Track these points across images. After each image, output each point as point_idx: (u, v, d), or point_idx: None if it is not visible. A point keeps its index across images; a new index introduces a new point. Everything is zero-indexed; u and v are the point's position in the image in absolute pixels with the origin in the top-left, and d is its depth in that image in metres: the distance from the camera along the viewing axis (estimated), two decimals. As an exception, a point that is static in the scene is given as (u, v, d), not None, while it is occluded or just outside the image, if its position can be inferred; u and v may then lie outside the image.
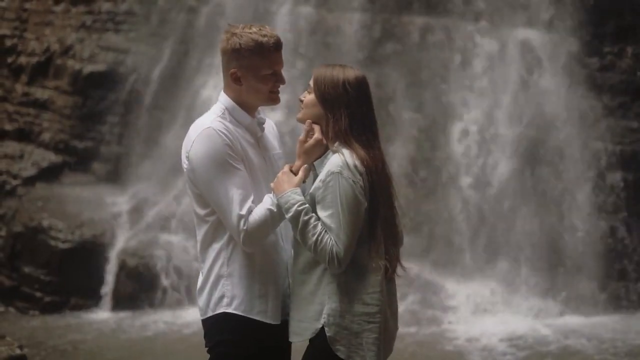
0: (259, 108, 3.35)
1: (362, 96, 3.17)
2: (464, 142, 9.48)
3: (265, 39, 3.19)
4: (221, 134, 3.16)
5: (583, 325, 8.46)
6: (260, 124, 3.33)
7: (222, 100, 3.28)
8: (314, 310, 3.13)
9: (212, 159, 3.14)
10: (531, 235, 9.14)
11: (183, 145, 3.25)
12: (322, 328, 3.11)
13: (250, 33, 3.19)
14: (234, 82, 3.23)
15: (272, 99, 3.27)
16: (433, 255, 9.14)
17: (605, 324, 8.53)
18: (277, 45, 3.22)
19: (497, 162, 9.40)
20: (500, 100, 9.54)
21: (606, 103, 9.44)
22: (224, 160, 3.14)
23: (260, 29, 3.21)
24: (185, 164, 3.24)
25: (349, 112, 3.14)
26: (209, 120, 3.21)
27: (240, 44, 3.19)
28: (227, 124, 3.21)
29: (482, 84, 9.59)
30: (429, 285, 8.91)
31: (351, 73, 3.18)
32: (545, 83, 9.52)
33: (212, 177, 3.14)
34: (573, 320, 8.59)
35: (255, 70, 3.20)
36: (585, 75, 9.48)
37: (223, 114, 3.24)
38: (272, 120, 3.50)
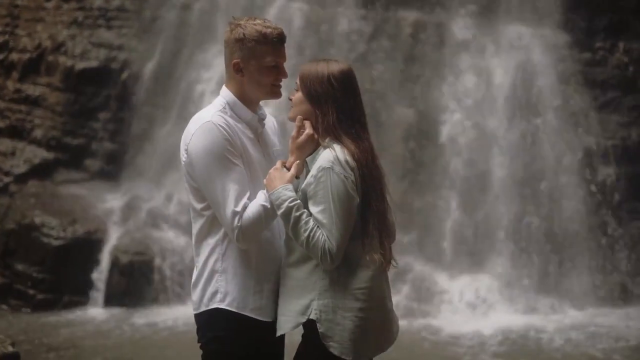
0: (260, 103, 3.34)
1: (348, 89, 3.17)
2: (456, 138, 9.49)
3: (269, 30, 3.20)
4: (221, 128, 3.15)
5: (577, 320, 8.48)
6: (261, 119, 3.32)
7: (224, 95, 3.27)
8: (302, 305, 3.12)
9: (210, 153, 3.13)
10: (524, 230, 9.16)
11: (182, 138, 3.23)
12: (312, 324, 3.10)
13: (255, 25, 3.20)
14: (236, 73, 3.22)
15: (274, 92, 3.26)
16: (425, 250, 9.14)
17: (599, 318, 8.55)
18: (281, 37, 3.23)
19: (490, 157, 9.41)
20: (492, 95, 9.55)
21: (598, 98, 9.46)
22: (223, 155, 3.13)
23: (264, 21, 3.23)
24: (183, 157, 3.22)
25: (337, 107, 3.15)
26: (209, 114, 3.20)
27: (244, 34, 3.19)
28: (228, 118, 3.20)
29: (474, 79, 9.60)
30: (422, 279, 8.92)
31: (336, 67, 3.17)
32: (537, 78, 9.53)
33: (210, 171, 3.13)
34: (567, 315, 8.61)
35: (257, 61, 3.20)
36: (577, 71, 9.50)
37: (224, 108, 3.23)
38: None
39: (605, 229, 9.18)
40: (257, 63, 3.20)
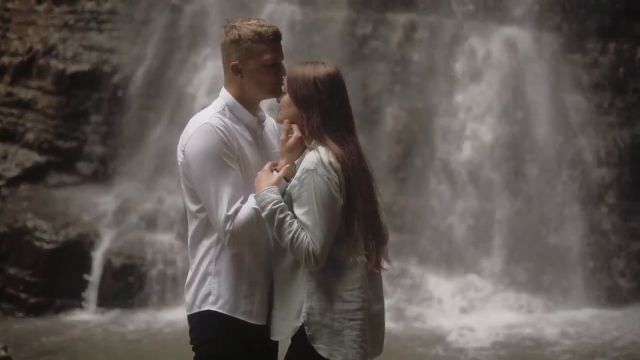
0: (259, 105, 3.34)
1: (334, 92, 3.17)
2: (448, 139, 9.50)
3: (264, 28, 3.21)
4: (218, 130, 3.14)
5: (572, 321, 8.49)
6: (261, 121, 3.32)
7: (223, 96, 3.26)
8: (295, 309, 3.12)
9: (207, 155, 3.13)
10: (517, 231, 9.17)
11: (180, 139, 3.23)
12: (303, 326, 3.11)
13: (249, 24, 3.21)
14: (235, 74, 3.22)
15: (274, 90, 3.26)
16: (418, 252, 9.15)
17: (592, 318, 8.57)
18: (276, 35, 3.23)
19: (482, 159, 9.42)
20: (484, 97, 9.56)
21: (589, 99, 9.49)
22: (219, 158, 3.13)
23: (259, 21, 3.24)
24: (180, 157, 3.21)
25: (322, 110, 3.15)
26: (208, 116, 3.19)
27: (239, 35, 3.19)
28: (226, 120, 3.20)
29: (466, 81, 9.61)
30: (415, 281, 8.93)
31: (322, 70, 3.18)
32: (529, 80, 9.55)
33: (206, 173, 3.13)
34: (560, 315, 8.63)
35: (255, 60, 3.20)
36: (569, 72, 9.53)
37: (223, 110, 3.23)
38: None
39: (599, 230, 9.20)
40: (255, 62, 3.20)
